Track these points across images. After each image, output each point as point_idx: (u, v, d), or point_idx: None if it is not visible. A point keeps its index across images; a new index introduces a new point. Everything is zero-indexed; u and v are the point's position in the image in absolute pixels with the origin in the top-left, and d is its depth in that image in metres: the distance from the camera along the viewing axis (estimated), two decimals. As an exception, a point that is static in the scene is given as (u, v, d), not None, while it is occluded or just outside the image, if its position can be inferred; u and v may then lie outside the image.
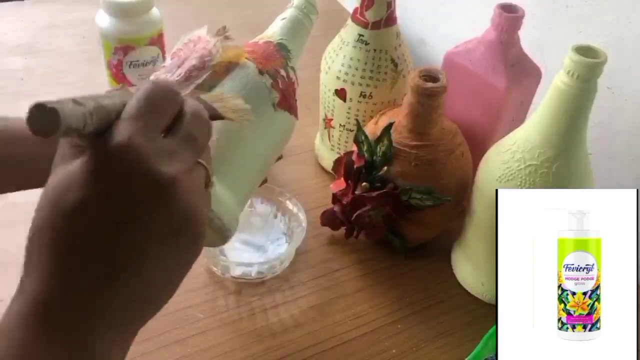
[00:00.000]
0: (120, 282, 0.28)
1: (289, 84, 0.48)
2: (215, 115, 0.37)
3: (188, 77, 0.48)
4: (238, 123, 0.41)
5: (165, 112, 0.31)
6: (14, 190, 0.51)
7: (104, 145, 0.28)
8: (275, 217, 0.67)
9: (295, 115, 0.50)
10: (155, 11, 0.77)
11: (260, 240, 0.65)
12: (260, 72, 0.46)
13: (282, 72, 0.48)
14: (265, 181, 0.59)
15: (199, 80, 0.47)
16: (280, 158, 0.73)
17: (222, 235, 0.43)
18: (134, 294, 0.29)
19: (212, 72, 0.47)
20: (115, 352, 0.29)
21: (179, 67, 0.48)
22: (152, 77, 0.48)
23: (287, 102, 0.48)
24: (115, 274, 0.28)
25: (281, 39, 0.51)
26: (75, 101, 0.27)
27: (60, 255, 0.28)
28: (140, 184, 0.28)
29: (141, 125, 0.29)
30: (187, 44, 0.48)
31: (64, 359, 0.28)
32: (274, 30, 0.52)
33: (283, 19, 0.53)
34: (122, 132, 0.28)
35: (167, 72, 0.47)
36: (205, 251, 0.60)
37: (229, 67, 0.47)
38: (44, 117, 0.26)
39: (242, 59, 0.47)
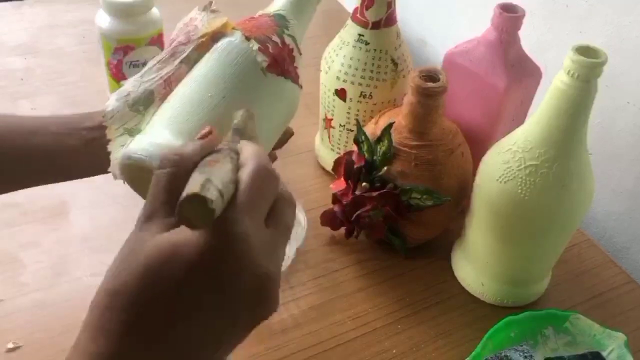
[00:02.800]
0: None
1: (282, 49, 0.47)
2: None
3: (173, 53, 0.48)
4: (215, 72, 0.42)
5: (270, 199, 0.32)
6: (31, 185, 0.51)
7: (220, 233, 0.29)
8: (275, 217, 0.67)
9: (296, 82, 0.48)
10: (155, 11, 0.77)
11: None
12: (247, 39, 0.46)
13: (275, 38, 0.47)
14: (274, 159, 0.57)
15: (184, 55, 0.47)
16: (274, 160, 0.73)
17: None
18: None
19: (198, 44, 0.47)
20: None
21: (172, 52, 0.48)
22: (148, 65, 0.48)
23: (279, 66, 0.46)
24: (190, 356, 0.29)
25: (279, 10, 0.50)
26: (221, 193, 0.28)
27: (143, 323, 0.28)
28: (245, 281, 0.29)
29: (253, 217, 0.30)
30: (182, 28, 0.48)
31: None
32: (275, 4, 0.51)
33: None
34: (234, 222, 0.29)
35: (160, 60, 0.48)
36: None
37: (215, 38, 0.47)
38: (199, 211, 0.26)
39: (228, 29, 0.46)
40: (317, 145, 0.78)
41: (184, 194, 0.27)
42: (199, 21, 0.47)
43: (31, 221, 0.66)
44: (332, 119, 0.71)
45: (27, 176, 0.50)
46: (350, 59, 0.66)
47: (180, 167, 0.31)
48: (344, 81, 0.66)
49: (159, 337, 0.29)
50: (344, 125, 0.70)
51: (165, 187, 0.31)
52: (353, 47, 0.65)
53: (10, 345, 0.54)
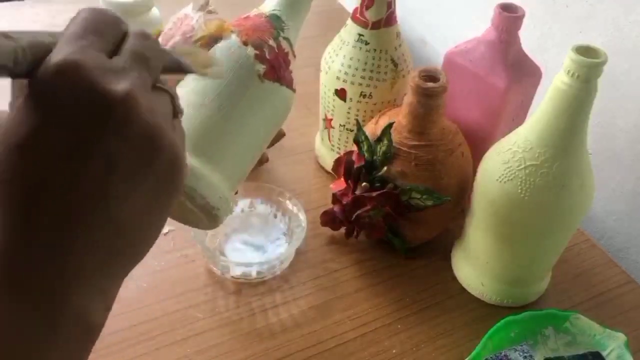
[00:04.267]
0: (86, 226, 0.25)
1: (279, 54, 0.47)
2: (182, 68, 0.33)
3: None
4: (211, 80, 0.40)
5: (108, 33, 0.27)
6: None
7: (42, 70, 0.24)
8: (275, 217, 0.67)
9: (290, 87, 0.48)
10: (155, 11, 0.77)
11: (260, 240, 0.65)
12: (244, 44, 0.45)
13: (271, 43, 0.47)
14: (265, 160, 0.57)
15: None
16: (266, 161, 0.73)
17: (211, 215, 0.42)
18: (104, 238, 0.25)
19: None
20: (95, 306, 0.26)
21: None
22: None
23: (275, 73, 0.46)
24: (78, 217, 0.25)
25: (274, 10, 0.49)
26: (6, 35, 0.24)
27: (15, 200, 0.24)
28: (87, 106, 0.25)
29: (81, 44, 0.25)
30: (175, 22, 0.48)
31: (33, 320, 0.24)
32: (269, 3, 0.50)
33: None
34: (59, 51, 0.25)
35: None
36: (205, 251, 0.60)
37: (212, 41, 0.46)
38: None
39: (225, 32, 0.46)
40: (317, 145, 0.78)
41: None
42: (195, 22, 0.47)
43: None
44: (332, 119, 0.71)
45: None
46: (350, 59, 0.66)
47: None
48: (344, 81, 0.66)
49: (46, 210, 0.25)
50: (344, 125, 0.70)
51: None
52: (353, 47, 0.65)
53: None
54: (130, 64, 0.27)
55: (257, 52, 0.45)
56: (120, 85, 0.25)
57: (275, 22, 0.48)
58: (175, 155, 0.27)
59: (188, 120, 0.43)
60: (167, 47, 0.47)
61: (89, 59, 0.25)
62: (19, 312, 0.24)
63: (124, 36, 0.28)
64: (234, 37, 0.46)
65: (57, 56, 0.25)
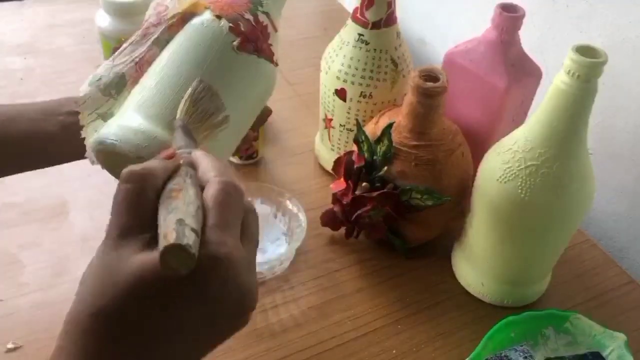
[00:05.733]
0: None
1: (256, 27, 0.46)
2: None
3: (145, 35, 0.48)
4: (186, 54, 0.42)
5: (241, 214, 0.33)
6: (12, 173, 0.51)
7: (205, 256, 0.29)
8: (275, 217, 0.67)
9: (270, 60, 0.48)
10: (155, 11, 0.77)
11: (260, 240, 0.65)
12: (218, 17, 0.45)
13: (247, 16, 0.46)
14: (269, 113, 0.56)
15: (155, 36, 0.47)
16: (269, 114, 0.72)
17: None
18: None
19: (169, 25, 0.47)
20: None
21: (144, 34, 0.48)
22: (120, 49, 0.48)
23: (251, 44, 0.46)
24: None
25: None
26: (195, 231, 0.28)
27: (130, 345, 0.28)
28: (232, 298, 0.30)
29: (231, 236, 0.31)
30: (155, 7, 0.48)
31: None
32: None
33: None
34: (218, 244, 0.29)
35: (132, 42, 0.47)
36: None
37: (186, 18, 0.46)
38: (181, 258, 0.27)
39: (199, 8, 0.46)
40: (317, 145, 0.78)
41: (162, 245, 0.27)
42: (170, 1, 0.47)
43: (31, 221, 0.66)
44: (332, 119, 0.71)
45: (6, 162, 0.50)
46: (350, 59, 0.66)
47: (147, 183, 0.31)
48: (344, 81, 0.66)
49: (148, 356, 0.29)
50: (344, 125, 0.70)
51: (136, 203, 0.30)
52: (353, 47, 0.65)
53: (10, 345, 0.54)
54: (253, 252, 0.34)
55: (232, 25, 0.45)
56: (252, 281, 0.32)
57: None
58: (251, 315, 0.33)
59: (164, 94, 0.43)
60: (142, 29, 0.47)
61: (237, 257, 0.30)
62: None
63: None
64: (207, 12, 0.46)
65: (214, 249, 0.29)
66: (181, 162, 0.34)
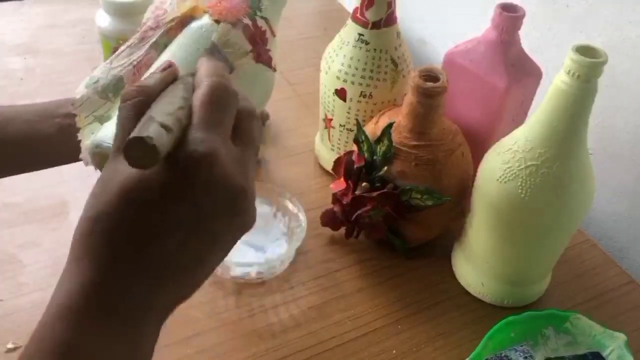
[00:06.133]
0: (173, 284, 0.31)
1: (254, 32, 0.47)
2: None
3: (143, 38, 0.48)
4: (184, 58, 0.42)
5: (232, 115, 0.33)
6: (9, 174, 0.51)
7: (186, 154, 0.29)
8: (275, 217, 0.67)
9: (268, 65, 0.48)
10: (155, 11, 0.77)
11: (260, 240, 0.65)
12: (216, 22, 0.45)
13: (246, 21, 0.46)
14: (266, 118, 0.56)
15: (153, 39, 0.47)
16: (267, 118, 0.72)
17: None
18: (182, 290, 0.32)
19: (167, 29, 0.47)
20: (156, 329, 0.32)
21: (142, 37, 0.48)
22: (118, 51, 0.48)
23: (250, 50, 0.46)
24: (173, 277, 0.31)
25: None
26: (164, 126, 0.28)
27: (124, 244, 0.30)
28: (218, 196, 0.30)
29: (216, 134, 0.30)
30: (152, 11, 0.48)
31: (119, 337, 0.29)
32: None
33: None
34: (201, 142, 0.30)
35: (130, 45, 0.47)
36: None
37: (184, 22, 0.46)
38: (143, 152, 0.27)
39: (198, 13, 0.46)
40: (317, 145, 0.78)
41: (127, 139, 0.28)
42: (168, 5, 0.47)
43: (31, 221, 0.66)
44: (332, 119, 0.71)
45: (3, 164, 0.50)
46: (350, 58, 0.66)
47: (143, 96, 0.32)
48: (344, 81, 0.66)
49: (142, 258, 0.30)
50: (344, 125, 0.70)
51: (131, 117, 0.31)
52: (353, 47, 0.65)
53: (10, 345, 0.54)
54: (248, 154, 0.33)
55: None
56: (242, 181, 0.31)
57: (252, 2, 0.48)
58: (252, 221, 0.34)
59: (162, 98, 0.43)
60: (140, 32, 0.47)
61: (224, 156, 0.30)
62: (109, 333, 0.29)
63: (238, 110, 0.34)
64: (206, 17, 0.46)
65: (200, 147, 0.29)
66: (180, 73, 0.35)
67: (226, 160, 0.30)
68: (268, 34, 0.48)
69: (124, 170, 0.30)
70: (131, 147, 0.27)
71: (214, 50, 0.37)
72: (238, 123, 0.33)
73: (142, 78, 0.45)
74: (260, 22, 0.47)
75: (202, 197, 0.30)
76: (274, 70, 0.48)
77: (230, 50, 0.38)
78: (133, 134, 0.27)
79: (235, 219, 0.32)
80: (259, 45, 0.47)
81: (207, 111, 0.31)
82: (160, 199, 0.29)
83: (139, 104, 0.31)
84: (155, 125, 0.28)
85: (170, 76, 0.34)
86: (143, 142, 0.27)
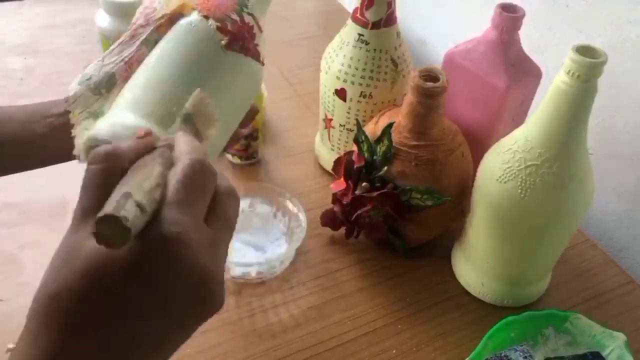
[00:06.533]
0: None
1: (242, 27, 0.47)
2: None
3: (133, 36, 0.48)
4: (176, 55, 0.43)
5: (208, 196, 0.31)
6: (4, 174, 0.51)
7: (157, 235, 0.28)
8: (275, 217, 0.67)
9: (257, 59, 0.48)
10: (155, 11, 0.77)
11: (260, 240, 0.65)
12: (205, 18, 0.46)
13: (234, 16, 0.47)
14: (256, 112, 0.56)
15: (144, 36, 0.47)
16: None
17: None
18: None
19: (157, 26, 0.47)
20: None
21: (132, 34, 0.48)
22: (109, 49, 0.49)
23: (238, 43, 0.47)
24: (134, 358, 0.29)
25: None
26: (140, 206, 0.27)
27: (86, 325, 0.28)
28: (184, 280, 0.29)
29: (190, 215, 0.29)
30: (142, 11, 0.49)
31: None
32: None
33: None
34: (171, 222, 0.28)
35: (121, 42, 0.48)
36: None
37: (174, 19, 0.47)
38: (114, 231, 0.26)
39: (186, 10, 0.47)
40: (317, 145, 0.78)
41: (98, 214, 0.26)
42: (158, 3, 0.47)
43: (31, 221, 0.66)
44: (332, 119, 0.71)
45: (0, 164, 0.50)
46: (350, 58, 0.66)
47: (113, 163, 0.30)
48: (344, 81, 0.66)
49: (100, 339, 0.28)
50: (344, 125, 0.70)
51: (98, 184, 0.30)
52: (353, 47, 0.65)
53: (11, 346, 0.54)
54: (222, 234, 0.32)
55: (219, 24, 0.46)
56: (212, 266, 0.30)
57: None
58: (218, 307, 0.32)
59: (155, 92, 0.44)
60: (130, 29, 0.48)
61: (194, 238, 0.29)
62: None
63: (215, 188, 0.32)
64: (195, 13, 0.46)
65: (169, 228, 0.28)
66: (158, 144, 0.33)
67: (196, 244, 0.29)
68: (255, 29, 0.49)
69: (90, 246, 0.28)
70: (103, 224, 0.26)
71: (187, 120, 0.37)
72: (215, 204, 0.32)
73: (130, 79, 0.46)
74: (248, 18, 0.48)
75: (165, 282, 0.29)
76: (262, 64, 0.49)
77: (202, 120, 0.38)
78: (107, 211, 0.26)
79: (199, 305, 0.30)
80: (247, 39, 0.47)
81: (183, 191, 0.30)
82: (127, 281, 0.28)
83: (108, 171, 0.30)
84: (132, 204, 0.27)
85: (144, 148, 0.33)
86: (117, 221, 0.25)
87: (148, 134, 0.34)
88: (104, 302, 0.28)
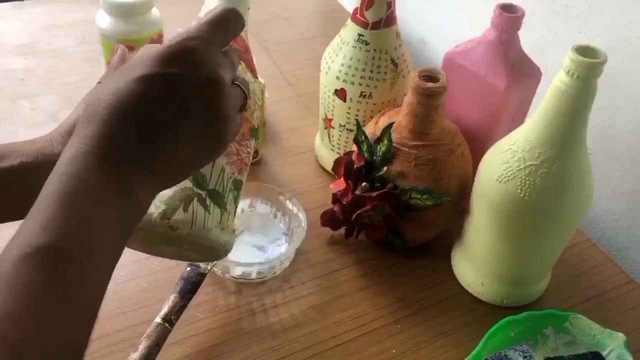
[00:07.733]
0: (159, 148, 0.33)
1: (238, 41, 0.47)
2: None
3: None
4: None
5: (230, 36, 0.38)
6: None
7: (179, 40, 0.34)
8: (275, 217, 0.67)
9: (255, 76, 0.49)
10: (155, 11, 0.77)
11: (260, 240, 0.65)
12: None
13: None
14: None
15: None
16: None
17: (224, 251, 0.46)
18: (167, 160, 0.34)
19: None
20: (147, 201, 0.35)
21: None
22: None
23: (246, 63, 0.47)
24: (158, 141, 0.33)
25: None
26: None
27: (122, 115, 0.32)
28: (201, 76, 0.34)
29: (202, 37, 0.35)
30: None
31: (114, 196, 0.32)
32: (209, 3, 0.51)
33: None
34: (184, 36, 0.34)
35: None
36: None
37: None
38: None
39: None
40: (317, 145, 0.78)
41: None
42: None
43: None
44: (332, 119, 0.71)
45: None
46: (350, 59, 0.66)
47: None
48: (343, 81, 0.66)
49: (143, 130, 0.33)
50: (344, 125, 0.70)
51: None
52: (353, 47, 0.65)
53: None
54: (228, 65, 0.37)
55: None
56: (221, 73, 0.35)
57: None
58: (230, 133, 0.37)
59: None
60: None
61: (207, 52, 0.35)
62: (109, 189, 0.32)
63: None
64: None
65: (190, 41, 0.35)
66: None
67: (209, 54, 0.35)
68: (247, 42, 0.49)
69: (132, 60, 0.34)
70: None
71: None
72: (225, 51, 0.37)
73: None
74: (242, 33, 0.48)
75: (190, 75, 0.34)
76: (256, 77, 0.49)
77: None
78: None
79: (213, 104, 0.35)
80: (242, 53, 0.47)
81: (203, 23, 0.36)
82: (155, 73, 0.33)
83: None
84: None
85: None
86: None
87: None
88: (133, 89, 0.32)
